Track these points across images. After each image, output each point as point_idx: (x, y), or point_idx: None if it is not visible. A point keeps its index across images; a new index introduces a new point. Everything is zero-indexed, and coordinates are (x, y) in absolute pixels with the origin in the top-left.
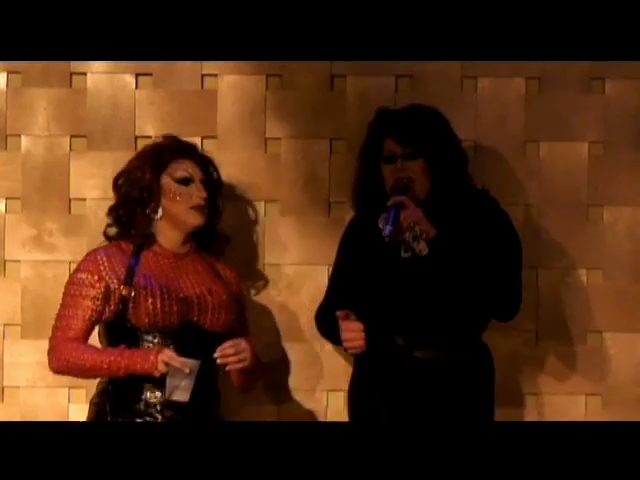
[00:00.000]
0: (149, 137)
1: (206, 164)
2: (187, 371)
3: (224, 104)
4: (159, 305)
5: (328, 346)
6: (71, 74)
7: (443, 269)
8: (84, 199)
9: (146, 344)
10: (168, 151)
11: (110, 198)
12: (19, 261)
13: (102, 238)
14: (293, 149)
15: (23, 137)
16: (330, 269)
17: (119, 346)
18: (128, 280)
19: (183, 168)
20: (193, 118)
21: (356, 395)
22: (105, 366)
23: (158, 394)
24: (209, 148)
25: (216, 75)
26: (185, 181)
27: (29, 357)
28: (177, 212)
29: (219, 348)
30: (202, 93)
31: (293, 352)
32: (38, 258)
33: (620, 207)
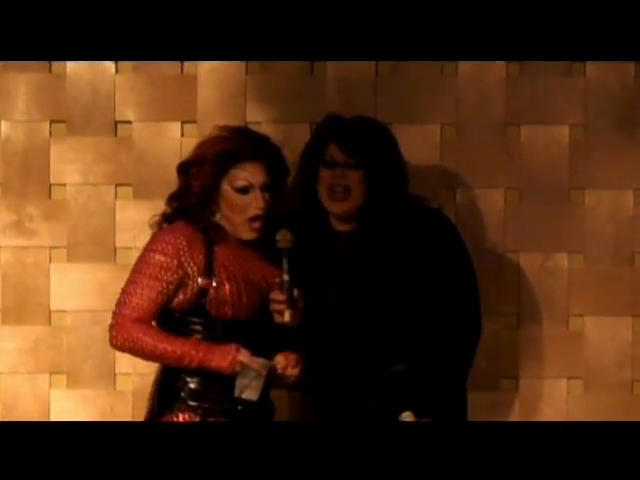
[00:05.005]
0: (129, 122)
1: (273, 160)
2: (263, 372)
3: (204, 89)
4: (245, 299)
5: None
6: None
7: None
8: (64, 184)
9: (211, 333)
10: (232, 154)
11: (91, 183)
12: None
13: (82, 223)
14: (274, 133)
15: (3, 122)
16: None
17: (191, 337)
18: (208, 270)
19: (243, 176)
20: (173, 103)
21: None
22: (176, 356)
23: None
24: (189, 133)
25: None
26: (244, 190)
27: (10, 343)
28: (234, 222)
29: (280, 365)
30: (182, 78)
31: None
32: (18, 244)
33: (601, 190)
